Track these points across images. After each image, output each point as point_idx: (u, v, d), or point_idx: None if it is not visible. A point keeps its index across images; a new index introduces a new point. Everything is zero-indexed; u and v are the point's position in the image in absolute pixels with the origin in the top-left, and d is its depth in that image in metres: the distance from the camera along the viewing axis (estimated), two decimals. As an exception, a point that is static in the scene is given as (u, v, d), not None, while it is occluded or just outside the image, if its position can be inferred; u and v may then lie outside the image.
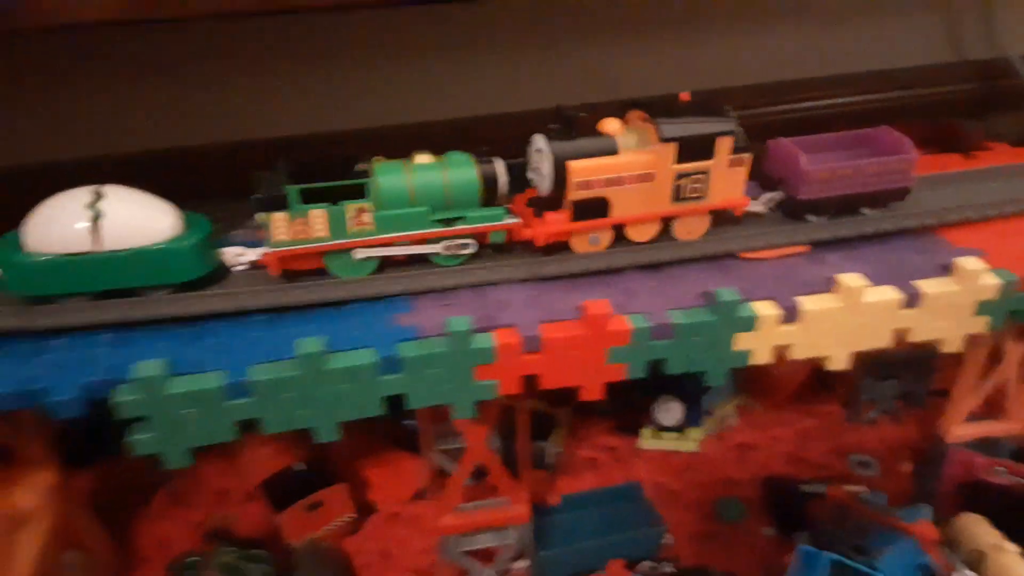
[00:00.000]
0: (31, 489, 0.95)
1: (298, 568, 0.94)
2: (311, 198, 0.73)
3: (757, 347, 0.80)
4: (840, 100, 1.50)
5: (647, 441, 1.18)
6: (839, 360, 0.84)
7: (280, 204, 0.73)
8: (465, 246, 0.79)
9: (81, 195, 0.71)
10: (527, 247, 0.83)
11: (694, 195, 0.82)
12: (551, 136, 0.79)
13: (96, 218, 0.70)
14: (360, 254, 0.77)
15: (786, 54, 1.45)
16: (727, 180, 0.82)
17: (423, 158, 0.78)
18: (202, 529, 1.10)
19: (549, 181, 0.79)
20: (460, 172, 0.77)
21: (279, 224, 0.74)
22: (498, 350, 0.74)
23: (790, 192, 0.87)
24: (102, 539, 1.03)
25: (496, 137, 0.84)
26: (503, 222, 0.79)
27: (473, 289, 0.81)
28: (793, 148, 0.87)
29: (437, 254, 0.79)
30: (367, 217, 0.75)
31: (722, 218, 0.87)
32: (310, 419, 0.74)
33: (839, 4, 1.42)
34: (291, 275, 0.79)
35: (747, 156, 0.82)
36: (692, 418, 1.18)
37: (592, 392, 0.80)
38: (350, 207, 0.75)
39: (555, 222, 0.81)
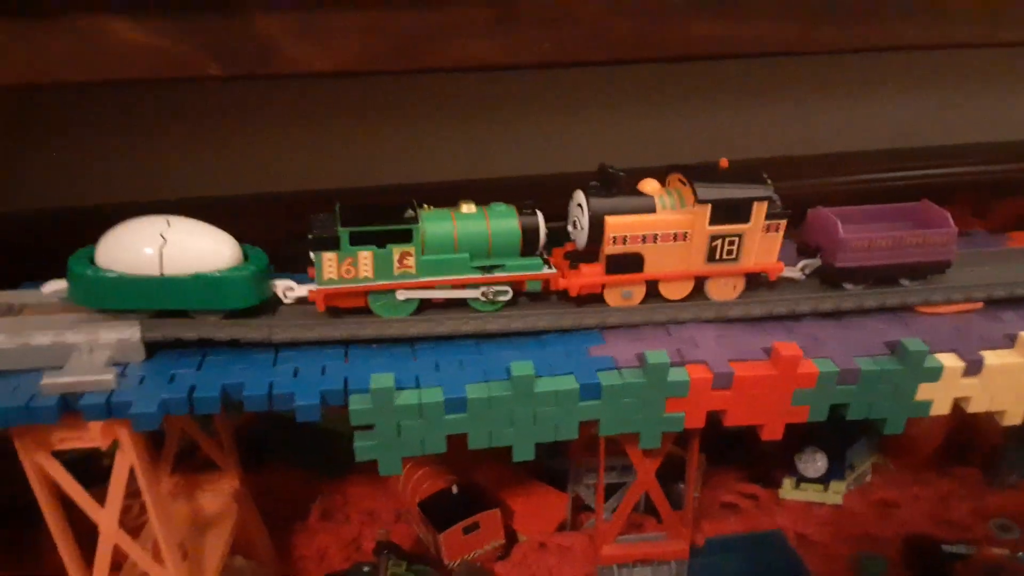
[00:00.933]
0: (218, 493, 1.02)
1: (459, 587, 0.98)
2: (360, 240, 0.78)
3: (938, 398, 0.82)
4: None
5: (789, 492, 1.19)
6: (1014, 416, 0.85)
7: (332, 244, 0.78)
8: (502, 293, 0.83)
9: (151, 222, 0.78)
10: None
11: (728, 257, 0.85)
12: (591, 192, 0.83)
13: (161, 245, 0.77)
14: (402, 295, 0.82)
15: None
16: (762, 244, 0.85)
17: (468, 207, 0.83)
18: (355, 545, 1.15)
19: (586, 235, 0.83)
20: (503, 222, 0.82)
21: (329, 263, 0.79)
22: (691, 384, 0.79)
23: (827, 259, 0.89)
24: (268, 547, 1.09)
25: (540, 196, 0.89)
26: (540, 272, 0.84)
27: (660, 326, 0.86)
28: (831, 216, 0.89)
29: (476, 299, 0.84)
30: (410, 261, 0.80)
31: (757, 282, 0.90)
32: (512, 437, 0.79)
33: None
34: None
35: (782, 222, 0.85)
36: (834, 471, 1.19)
37: (773, 432, 0.83)
38: (396, 250, 0.79)
39: (590, 274, 0.84)
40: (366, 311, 0.83)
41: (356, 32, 0.90)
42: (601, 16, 0.96)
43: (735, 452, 1.22)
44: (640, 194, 0.84)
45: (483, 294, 0.83)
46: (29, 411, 0.70)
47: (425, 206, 0.83)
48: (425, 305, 0.84)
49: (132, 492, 0.80)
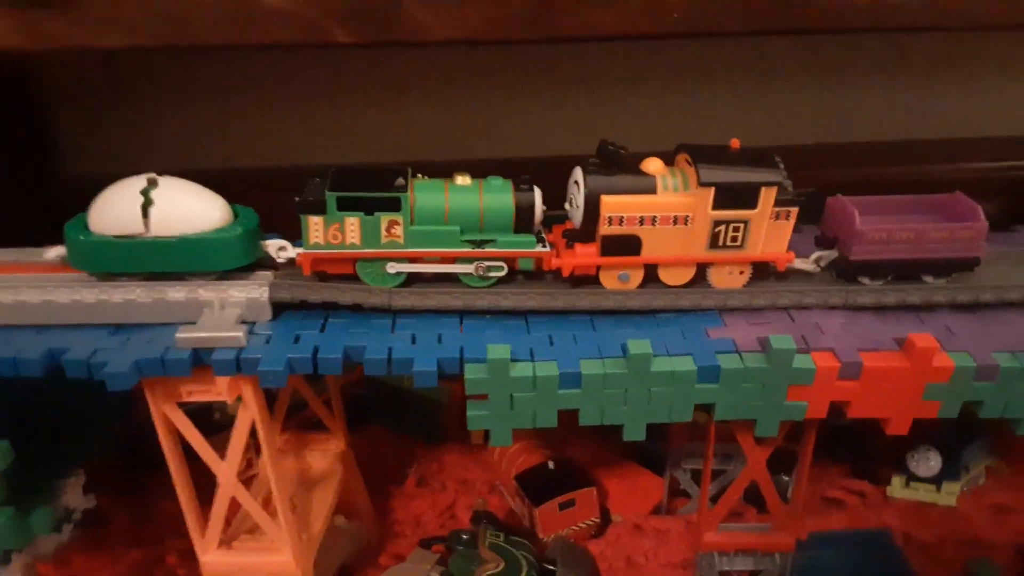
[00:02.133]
0: (325, 453, 1.05)
1: (554, 560, 0.98)
2: (350, 206, 0.77)
3: (1082, 400, 0.77)
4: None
5: (898, 490, 1.14)
6: None
7: (319, 208, 0.76)
8: (495, 268, 0.81)
9: (137, 184, 0.77)
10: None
11: (732, 244, 0.80)
12: (589, 169, 0.79)
13: (147, 205, 0.76)
14: (392, 268, 0.80)
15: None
16: (770, 232, 0.80)
17: (463, 179, 0.80)
18: (450, 513, 1.17)
19: (581, 213, 0.79)
20: (496, 197, 0.79)
21: (315, 227, 0.77)
22: (816, 373, 0.76)
23: (843, 251, 0.83)
24: (369, 509, 1.12)
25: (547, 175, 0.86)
26: (532, 250, 0.80)
27: (784, 311, 0.83)
28: (849, 206, 0.82)
29: (468, 274, 0.81)
30: (398, 230, 0.78)
31: (766, 272, 0.85)
32: (625, 416, 0.78)
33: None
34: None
35: (793, 210, 0.79)
36: (948, 472, 1.13)
37: (899, 427, 0.79)
38: (384, 218, 0.77)
39: (583, 255, 0.81)
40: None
41: (486, 1, 0.90)
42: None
43: (841, 445, 1.18)
44: (642, 173, 0.80)
45: (476, 269, 0.81)
46: (163, 363, 0.73)
47: (420, 175, 0.81)
48: (414, 277, 0.82)
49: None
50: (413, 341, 0.78)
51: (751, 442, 0.88)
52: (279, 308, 0.80)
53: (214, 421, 1.23)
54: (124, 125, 1.43)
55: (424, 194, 0.79)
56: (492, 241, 0.80)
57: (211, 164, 1.39)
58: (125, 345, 0.75)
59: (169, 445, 0.81)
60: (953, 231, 0.81)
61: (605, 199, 0.78)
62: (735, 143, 0.81)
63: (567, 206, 0.83)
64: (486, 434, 1.22)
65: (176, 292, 0.78)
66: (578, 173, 0.80)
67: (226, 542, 0.88)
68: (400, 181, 0.78)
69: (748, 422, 0.80)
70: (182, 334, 0.74)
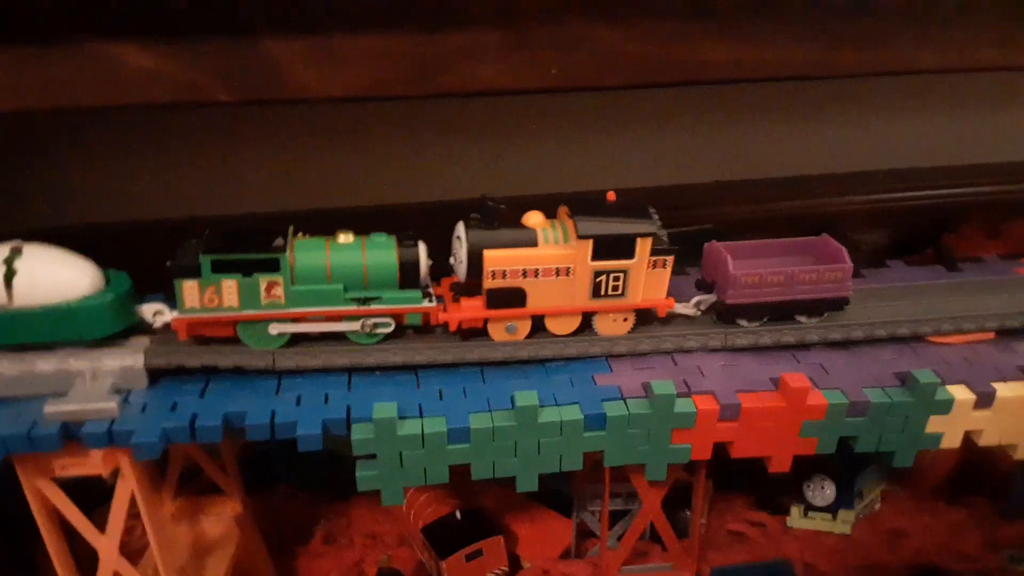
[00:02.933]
0: (221, 517, 1.02)
1: (461, 616, 0.97)
2: (226, 268, 0.75)
3: (949, 431, 0.81)
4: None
5: (797, 520, 1.17)
6: (1026, 450, 0.84)
7: (193, 272, 0.75)
8: (382, 325, 0.81)
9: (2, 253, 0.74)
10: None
11: (614, 292, 0.83)
12: (471, 224, 0.81)
13: (10, 275, 0.73)
14: (275, 329, 0.79)
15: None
16: (649, 280, 0.83)
17: (345, 237, 0.80)
18: (358, 570, 1.14)
19: (465, 268, 0.81)
20: (379, 253, 0.79)
21: (190, 291, 0.76)
22: (698, 416, 0.78)
23: (720, 295, 0.87)
24: (270, 571, 1.09)
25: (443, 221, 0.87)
26: (418, 305, 0.81)
27: (667, 355, 0.85)
28: (723, 252, 0.86)
29: (355, 331, 0.81)
30: (278, 290, 0.77)
31: (650, 318, 0.88)
32: (515, 468, 0.78)
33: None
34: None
35: (669, 258, 0.83)
36: (843, 500, 1.17)
37: (781, 464, 0.82)
38: (262, 279, 0.76)
39: (469, 308, 0.82)
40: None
41: (365, 57, 0.90)
42: (613, 41, 0.95)
43: (742, 478, 1.21)
44: (522, 227, 0.82)
45: (362, 327, 0.80)
46: (31, 439, 0.70)
47: (300, 234, 0.81)
48: (300, 337, 0.81)
49: (134, 513, 0.80)
50: (298, 403, 0.76)
51: (645, 484, 0.89)
52: (156, 375, 0.78)
53: (107, 487, 1.19)
54: (19, 181, 1.37)
55: (304, 254, 0.78)
56: (378, 298, 0.80)
57: (114, 216, 1.35)
58: (-12, 421, 0.72)
59: (44, 521, 0.78)
60: (821, 273, 0.85)
61: (487, 253, 0.79)
62: (611, 195, 0.84)
63: (451, 260, 0.83)
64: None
65: (45, 363, 0.75)
66: (460, 228, 0.81)
67: (110, 621, 0.84)
68: (279, 241, 0.77)
69: (639, 466, 0.81)
70: (50, 407, 0.71)
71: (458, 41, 0.92)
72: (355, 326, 0.80)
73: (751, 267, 0.84)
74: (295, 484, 1.28)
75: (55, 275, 0.75)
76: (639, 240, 0.80)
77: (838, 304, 0.87)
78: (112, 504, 0.78)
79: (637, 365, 0.84)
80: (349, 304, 0.79)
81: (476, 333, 0.84)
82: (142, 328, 0.80)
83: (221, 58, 0.87)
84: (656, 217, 0.82)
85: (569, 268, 0.81)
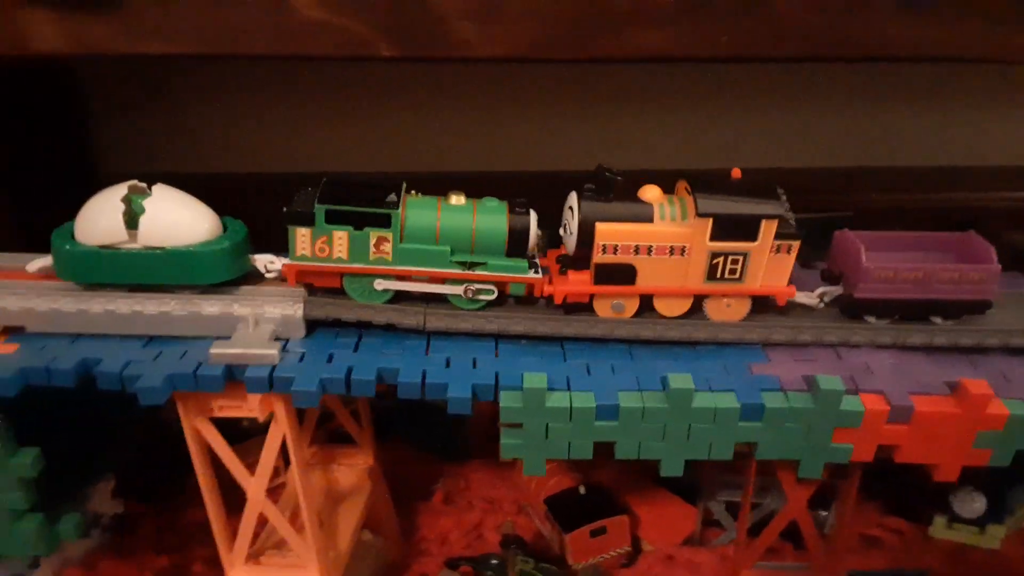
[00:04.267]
0: (353, 468, 1.04)
1: (584, 590, 0.96)
2: (339, 219, 0.75)
3: None
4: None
5: (940, 530, 1.10)
6: None
7: (307, 220, 0.75)
8: (485, 291, 0.78)
9: (121, 192, 0.76)
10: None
11: (731, 276, 0.77)
12: (585, 195, 0.76)
13: (135, 215, 0.75)
14: (380, 285, 0.78)
15: None
16: (771, 266, 0.77)
17: (458, 199, 0.78)
18: (477, 532, 1.15)
19: (575, 240, 0.77)
20: (490, 218, 0.77)
21: (303, 239, 0.76)
22: (865, 415, 0.73)
23: (848, 288, 0.80)
24: (394, 525, 1.11)
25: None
26: (524, 275, 0.78)
27: (831, 348, 0.80)
28: (856, 241, 0.80)
29: (457, 296, 0.79)
30: (387, 247, 0.76)
31: (767, 306, 0.82)
32: (662, 451, 0.75)
33: None
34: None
35: (795, 243, 0.77)
36: (993, 513, 1.09)
37: (948, 474, 0.76)
38: (373, 234, 0.76)
39: (576, 282, 0.78)
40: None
41: (530, 17, 0.88)
42: (790, 10, 0.90)
43: (881, 481, 1.14)
44: (639, 201, 0.77)
45: (465, 291, 0.79)
46: (196, 379, 0.73)
47: (414, 192, 0.79)
48: (402, 295, 0.80)
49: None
50: (447, 365, 0.76)
51: (792, 480, 0.85)
52: (312, 326, 0.79)
53: (242, 428, 1.24)
54: (160, 125, 1.44)
55: (416, 212, 0.77)
56: (483, 264, 0.78)
57: (242, 167, 1.40)
58: (158, 358, 0.74)
59: (199, 459, 0.81)
60: (964, 272, 0.78)
61: (600, 226, 0.76)
62: (736, 172, 0.79)
63: (561, 231, 0.80)
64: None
65: (211, 306, 0.77)
66: (573, 199, 0.78)
67: (253, 556, 0.87)
68: (392, 197, 0.76)
69: (790, 460, 0.77)
70: (216, 349, 0.73)
71: (626, 5, 0.89)
72: (458, 290, 0.79)
73: (885, 260, 0.79)
74: (413, 442, 1.30)
75: (177, 219, 0.77)
76: (764, 222, 0.75)
77: (979, 307, 0.80)
78: (264, 448, 0.80)
79: (797, 356, 0.79)
80: (454, 267, 0.78)
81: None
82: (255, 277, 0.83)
83: (389, 12, 0.87)
84: (784, 199, 0.77)
85: (685, 247, 0.76)
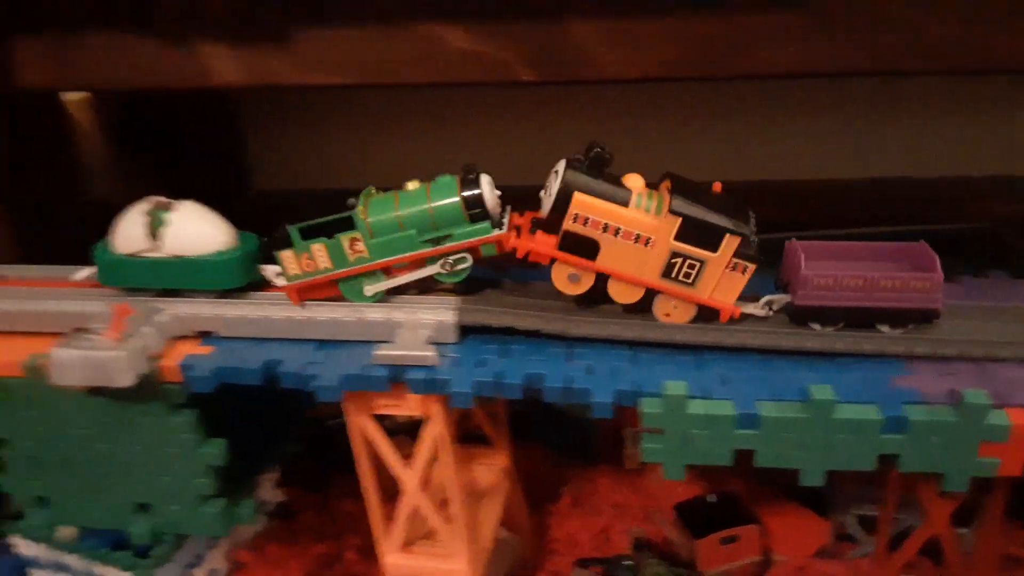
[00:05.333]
0: (491, 467, 1.10)
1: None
2: (311, 234, 0.82)
3: None
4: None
5: (1094, 554, 1.05)
6: None
7: (286, 244, 0.82)
8: (460, 260, 0.83)
9: (145, 207, 0.85)
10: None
11: (684, 279, 0.80)
12: (572, 164, 0.79)
13: (156, 226, 0.83)
14: (369, 291, 0.84)
15: None
16: (724, 280, 0.80)
17: (412, 185, 0.83)
18: (605, 536, 1.19)
19: (551, 203, 0.79)
20: (442, 194, 0.81)
21: (288, 260, 0.83)
22: (1013, 430, 0.72)
23: (792, 296, 0.81)
24: (527, 525, 1.16)
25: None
26: (487, 235, 0.81)
27: (974, 363, 0.79)
28: (798, 251, 0.82)
29: (442, 274, 0.84)
30: (360, 245, 0.81)
31: (712, 314, 0.84)
32: (802, 461, 0.77)
33: None
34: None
35: (750, 266, 0.79)
36: None
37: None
38: (344, 238, 0.81)
39: (542, 243, 0.81)
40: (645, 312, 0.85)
41: (663, 39, 0.92)
42: (920, 22, 0.90)
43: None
44: (621, 185, 0.80)
45: (442, 265, 0.83)
46: (365, 379, 0.80)
47: (374, 191, 0.85)
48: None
49: (406, 454, 0.89)
50: (589, 371, 0.80)
51: (934, 495, 0.84)
52: (463, 331, 0.85)
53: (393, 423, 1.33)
54: (305, 146, 1.56)
55: (376, 207, 0.82)
56: (449, 236, 0.82)
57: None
58: (330, 360, 0.83)
59: (361, 453, 0.88)
60: (905, 281, 0.79)
61: (577, 196, 0.79)
62: (717, 186, 0.82)
63: (542, 193, 0.83)
64: (643, 462, 1.24)
65: (374, 313, 0.85)
66: (560, 164, 0.81)
67: (406, 544, 0.94)
68: (351, 201, 0.83)
69: (932, 474, 0.77)
70: (381, 352, 0.80)
71: (756, 24, 0.91)
72: (437, 268, 0.84)
73: (830, 268, 0.80)
74: (540, 445, 1.35)
75: (195, 231, 0.86)
76: (728, 236, 0.78)
77: (925, 316, 0.81)
78: (419, 445, 0.87)
79: (940, 369, 0.79)
80: (425, 247, 0.82)
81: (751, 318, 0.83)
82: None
83: (532, 39, 0.93)
84: (753, 221, 0.80)
85: (650, 239, 0.79)
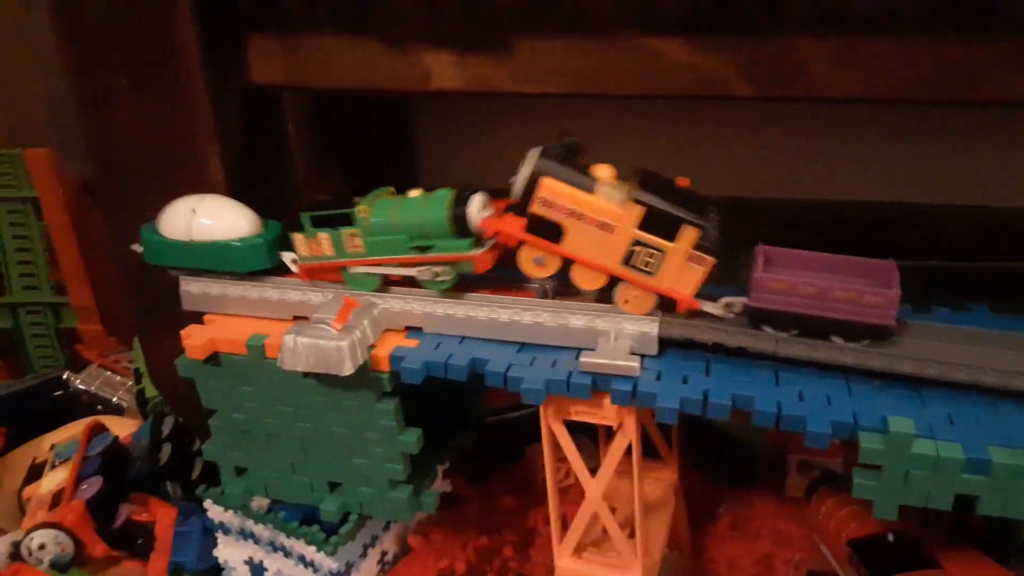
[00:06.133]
0: (660, 482, 1.09)
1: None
2: (322, 224, 0.89)
3: None
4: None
5: None
6: None
7: (299, 228, 0.90)
8: (436, 272, 0.87)
9: (188, 200, 0.94)
10: None
11: (644, 268, 0.81)
12: (544, 151, 0.82)
13: (191, 216, 0.93)
14: (352, 271, 0.91)
15: None
16: (682, 272, 0.81)
17: (414, 193, 0.89)
18: (766, 562, 1.15)
19: (520, 187, 0.82)
20: (432, 206, 0.86)
21: (300, 243, 0.91)
22: None
23: (748, 298, 0.82)
24: (689, 543, 1.14)
25: None
26: (464, 253, 0.85)
27: None
28: (758, 254, 0.84)
29: (425, 279, 0.88)
30: (358, 241, 0.88)
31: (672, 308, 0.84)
32: (1028, 510, 0.72)
33: None
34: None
35: (708, 259, 0.80)
36: None
37: None
38: (344, 232, 0.88)
39: (510, 224, 0.83)
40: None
41: (892, 60, 0.88)
42: None
43: None
44: (588, 175, 0.82)
45: (425, 272, 0.87)
46: (568, 385, 0.81)
47: (390, 191, 0.92)
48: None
49: (561, 456, 0.89)
50: (801, 398, 0.78)
51: None
52: (663, 345, 0.85)
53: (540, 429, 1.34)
54: (471, 150, 1.59)
55: (379, 209, 0.88)
56: (432, 247, 0.87)
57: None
58: (533, 363, 0.84)
59: (550, 456, 0.89)
60: (859, 294, 0.79)
61: (545, 180, 0.81)
62: (683, 180, 0.85)
63: (513, 178, 0.84)
64: (808, 491, 1.20)
65: (577, 320, 0.86)
66: (533, 151, 0.83)
67: (577, 551, 0.95)
68: (355, 199, 0.89)
69: None
70: (586, 359, 0.81)
71: (995, 49, 0.86)
72: (424, 272, 0.88)
73: (790, 275, 0.81)
74: (699, 463, 1.33)
75: (223, 218, 0.94)
76: (685, 227, 0.79)
77: (878, 332, 0.80)
78: (608, 454, 0.87)
79: None
80: (412, 252, 0.87)
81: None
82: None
83: (750, 55, 0.91)
84: (716, 218, 0.82)
85: (613, 227, 0.81)
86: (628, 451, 0.86)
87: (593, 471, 0.89)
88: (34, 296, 1.75)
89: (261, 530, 1.04)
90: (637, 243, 0.82)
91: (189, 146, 1.02)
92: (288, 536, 1.02)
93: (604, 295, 0.86)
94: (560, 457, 0.90)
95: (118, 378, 1.60)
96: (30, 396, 1.55)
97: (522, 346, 0.87)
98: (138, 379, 1.43)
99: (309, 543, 0.99)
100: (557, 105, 1.47)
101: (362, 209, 0.87)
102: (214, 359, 0.92)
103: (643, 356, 0.84)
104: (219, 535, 1.09)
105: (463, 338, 0.89)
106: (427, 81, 0.97)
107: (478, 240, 0.88)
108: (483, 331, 0.88)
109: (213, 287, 0.95)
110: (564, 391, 0.81)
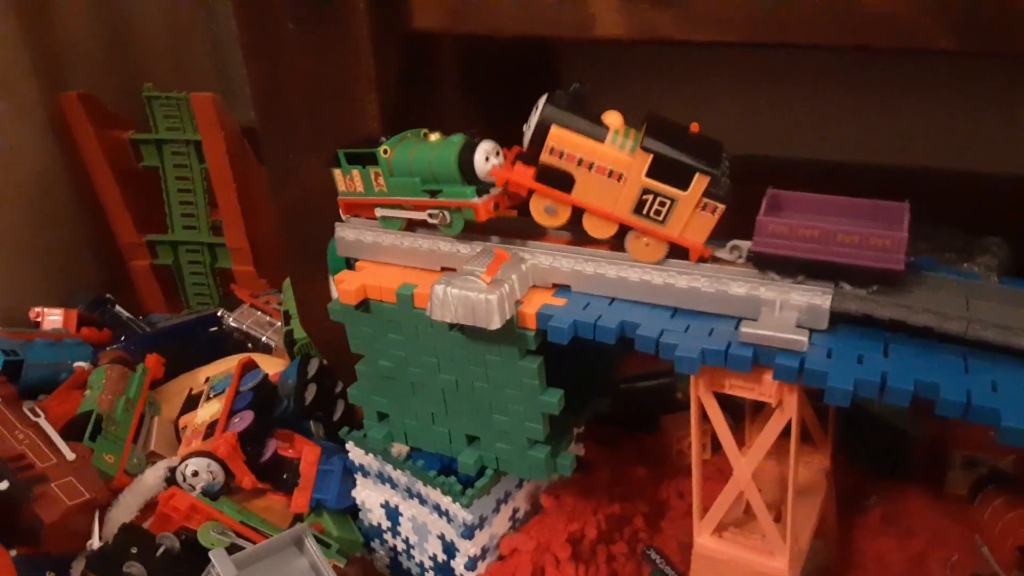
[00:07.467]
0: (808, 467, 1.03)
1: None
2: (354, 161, 0.93)
3: None
4: None
5: None
6: None
7: (336, 163, 0.94)
8: (440, 216, 0.88)
9: None
10: None
11: (655, 216, 0.81)
12: (552, 99, 0.80)
13: None
14: (379, 212, 0.95)
15: None
16: (694, 219, 0.80)
17: (433, 136, 0.91)
18: (918, 560, 1.07)
19: (529, 136, 0.81)
20: (443, 151, 0.87)
21: (339, 178, 0.95)
22: None
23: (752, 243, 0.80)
24: (835, 532, 1.07)
25: None
26: (466, 200, 0.85)
27: None
28: (766, 197, 0.81)
29: (435, 224, 0.90)
30: (382, 180, 0.91)
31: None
32: None
33: None
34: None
35: (720, 206, 0.79)
36: None
37: None
38: (371, 170, 0.91)
39: (520, 174, 0.83)
40: None
41: None
42: None
43: None
44: (599, 123, 0.81)
45: (431, 215, 0.89)
46: (726, 356, 0.76)
47: (424, 133, 0.92)
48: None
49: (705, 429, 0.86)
50: (994, 388, 0.70)
51: None
52: (835, 319, 0.78)
53: (675, 399, 1.29)
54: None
55: (400, 150, 0.90)
56: (441, 191, 0.88)
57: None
58: (688, 330, 0.80)
59: (697, 429, 0.85)
60: (864, 237, 0.75)
61: (554, 129, 0.80)
62: (694, 126, 0.81)
63: (525, 127, 0.83)
64: (972, 490, 1.10)
65: (738, 287, 0.80)
66: (542, 99, 0.81)
67: (718, 530, 0.91)
68: (382, 139, 0.91)
69: None
70: (747, 329, 0.76)
71: None
72: (433, 216, 0.89)
73: (797, 218, 0.78)
74: (850, 452, 1.24)
75: None
76: (697, 175, 0.77)
77: (885, 276, 0.76)
78: (763, 432, 0.82)
79: None
80: (423, 195, 0.89)
81: None
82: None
83: (958, 8, 0.82)
84: (727, 163, 0.80)
85: (622, 175, 0.80)
86: (783, 431, 0.81)
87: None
88: (193, 236, 1.85)
89: (399, 476, 1.06)
90: (647, 191, 0.80)
91: (348, 91, 1.02)
92: (425, 484, 1.03)
93: (617, 244, 0.86)
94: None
95: (267, 318, 1.67)
96: (188, 330, 1.65)
97: (675, 311, 0.83)
98: (287, 320, 1.48)
99: (445, 493, 1.00)
100: (686, 62, 1.40)
101: (385, 149, 0.90)
102: (364, 305, 0.93)
103: (811, 330, 0.78)
104: (358, 476, 1.12)
105: (612, 299, 0.85)
106: (590, 28, 0.93)
107: (485, 188, 0.88)
108: (635, 293, 0.84)
109: (367, 235, 0.96)
110: (721, 362, 0.76)
